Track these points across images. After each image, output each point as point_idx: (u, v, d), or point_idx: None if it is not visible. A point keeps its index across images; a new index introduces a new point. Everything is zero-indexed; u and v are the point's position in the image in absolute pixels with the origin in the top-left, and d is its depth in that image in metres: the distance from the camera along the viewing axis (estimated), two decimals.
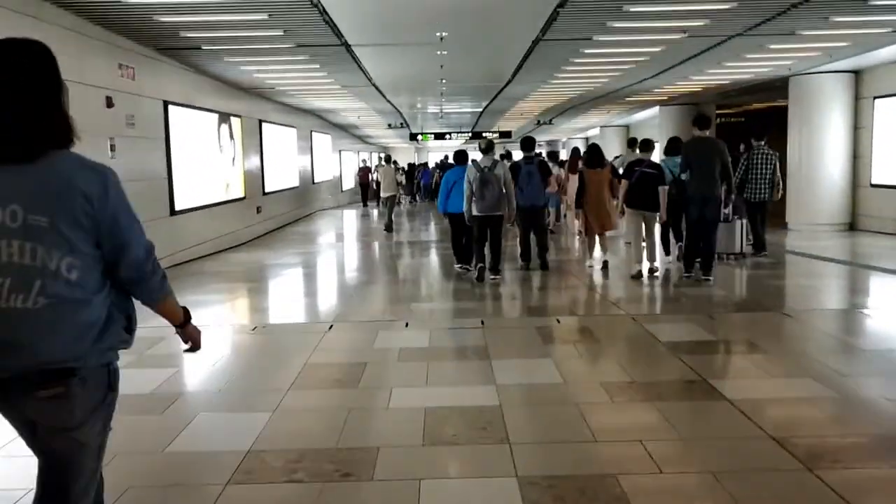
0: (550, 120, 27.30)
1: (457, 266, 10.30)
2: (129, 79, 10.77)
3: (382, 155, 27.23)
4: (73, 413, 2.13)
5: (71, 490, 2.21)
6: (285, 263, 12.49)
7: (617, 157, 16.02)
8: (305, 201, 23.01)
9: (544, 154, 24.03)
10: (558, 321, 7.12)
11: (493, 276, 9.38)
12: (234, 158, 15.65)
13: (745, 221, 10.74)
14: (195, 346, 2.51)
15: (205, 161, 13.78)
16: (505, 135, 30.34)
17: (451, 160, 11.24)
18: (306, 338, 6.70)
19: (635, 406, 4.76)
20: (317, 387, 5.29)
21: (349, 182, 31.33)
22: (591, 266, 10.30)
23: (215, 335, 6.78)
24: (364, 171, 27.43)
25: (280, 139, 19.88)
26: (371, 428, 4.50)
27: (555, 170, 16.80)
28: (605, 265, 9.96)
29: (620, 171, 10.37)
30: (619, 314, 7.48)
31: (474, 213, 9.17)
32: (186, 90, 13.15)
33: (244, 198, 16.30)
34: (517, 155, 12.68)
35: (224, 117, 15.06)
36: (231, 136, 15.53)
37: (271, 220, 18.56)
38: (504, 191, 9.12)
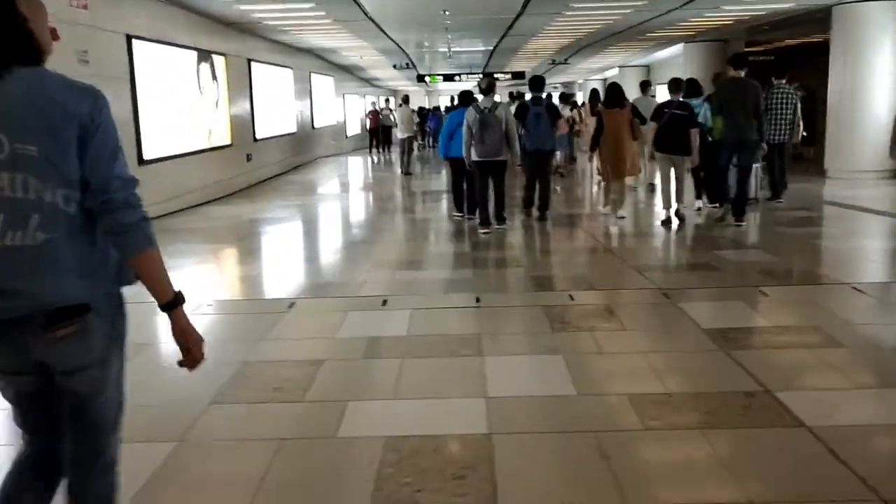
0: (566, 60, 25.48)
1: (455, 214, 9.81)
2: (80, 8, 9.30)
3: (389, 98, 25.70)
4: (91, 349, 1.99)
5: (102, 432, 2.08)
6: (268, 219, 11.11)
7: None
8: (305, 148, 21.52)
9: (555, 96, 22.43)
10: (571, 298, 5.71)
11: (497, 226, 8.74)
12: (217, 102, 14.17)
13: (759, 165, 9.96)
14: (192, 360, 2.03)
15: (181, 105, 12.32)
16: (518, 76, 28.53)
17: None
18: (257, 322, 5.37)
19: (678, 438, 3.38)
20: (248, 400, 3.94)
21: (355, 127, 29.71)
22: (608, 218, 9.40)
23: (140, 315, 5.44)
24: (373, 116, 25.58)
25: (274, 81, 18.32)
26: (304, 478, 3.15)
27: (566, 112, 15.59)
28: (621, 218, 9.27)
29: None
30: (647, 287, 6.04)
31: (474, 157, 8.54)
32: (156, 24, 11.64)
33: (231, 145, 14.86)
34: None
35: (204, 55, 13.55)
36: (214, 77, 14.03)
37: (264, 168, 17.13)
38: (506, 134, 8.43)
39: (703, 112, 9.07)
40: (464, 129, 8.57)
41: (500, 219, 8.84)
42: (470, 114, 8.55)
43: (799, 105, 10.26)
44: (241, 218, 11.21)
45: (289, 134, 19.70)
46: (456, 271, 6.91)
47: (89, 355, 1.98)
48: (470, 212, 9.52)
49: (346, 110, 28.26)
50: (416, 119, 22.82)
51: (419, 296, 5.96)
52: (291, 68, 19.99)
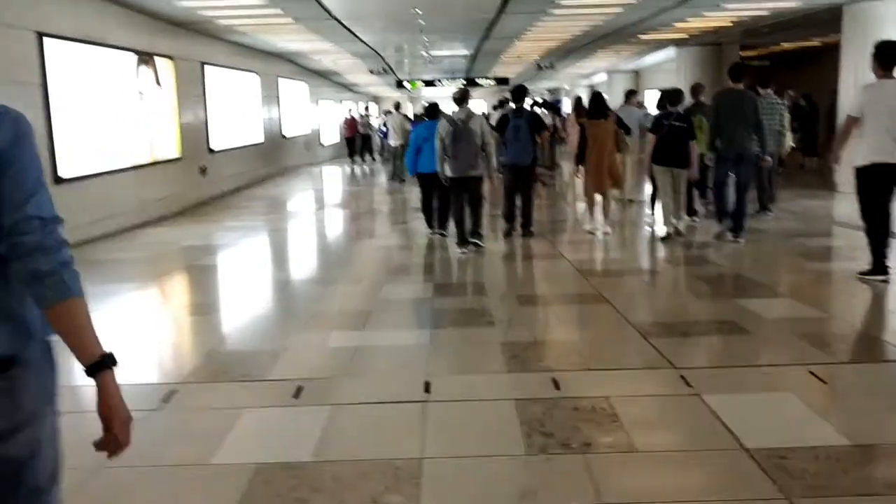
0: (552, 64, 23.92)
1: (427, 232, 9.24)
2: None
3: (368, 105, 24.06)
4: (20, 408, 1.68)
5: (41, 496, 1.76)
6: (206, 247, 9.44)
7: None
8: (273, 158, 19.83)
9: (539, 102, 21.10)
10: (557, 385, 4.06)
11: (473, 242, 8.06)
12: (162, 110, 12.52)
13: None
14: (113, 443, 1.69)
15: (113, 114, 10.66)
16: (502, 81, 26.98)
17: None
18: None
19: None
20: None
21: (332, 135, 28.02)
22: (595, 239, 8.73)
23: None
24: (350, 123, 23.92)
25: (235, 87, 16.66)
26: None
27: (547, 119, 14.39)
28: (605, 234, 8.80)
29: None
30: (658, 366, 4.35)
31: (448, 173, 7.90)
32: (79, 21, 9.98)
33: (180, 158, 13.20)
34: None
35: (146, 58, 11.89)
36: (158, 83, 12.37)
37: (222, 182, 15.45)
38: (483, 147, 7.82)
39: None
40: (436, 142, 7.89)
41: (477, 236, 8.16)
42: (443, 126, 7.86)
43: (787, 115, 9.97)
44: (176, 245, 9.55)
45: (253, 144, 18.02)
46: (408, 333, 5.26)
47: (18, 414, 1.68)
48: (441, 227, 9.01)
49: (322, 118, 26.58)
50: (409, 126, 21.09)
51: (349, 378, 4.34)
52: (257, 73, 18.33)
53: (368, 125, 24.30)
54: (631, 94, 12.40)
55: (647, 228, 9.56)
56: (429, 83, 26.90)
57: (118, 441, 1.68)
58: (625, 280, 6.92)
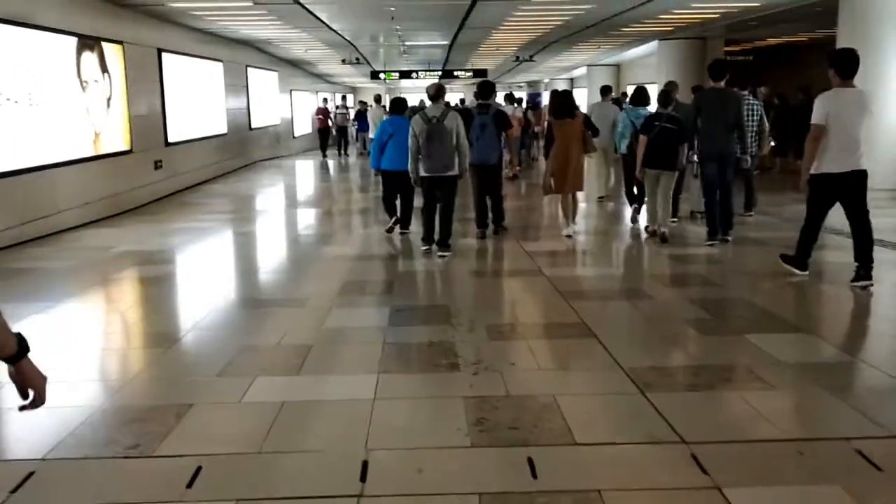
0: (531, 56, 22.93)
1: (384, 219, 8.98)
2: None
3: (345, 96, 22.93)
4: None
5: None
6: (145, 253, 8.33)
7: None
8: (239, 151, 18.69)
9: (522, 96, 20.35)
10: (533, 471, 3.02)
11: (440, 253, 7.53)
12: (109, 100, 11.37)
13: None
14: (37, 400, 1.90)
15: (47, 103, 9.51)
16: (479, 73, 25.90)
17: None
18: None
19: None
20: None
21: (305, 126, 26.85)
22: (572, 244, 8.29)
23: None
24: (322, 114, 22.73)
25: (196, 75, 15.49)
26: None
27: (509, 109, 14.16)
28: (569, 237, 8.42)
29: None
30: (663, 437, 3.36)
31: (421, 173, 7.51)
32: None
33: (130, 151, 12.05)
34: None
35: (89, 43, 10.73)
36: (104, 70, 11.21)
37: (180, 176, 14.31)
38: (457, 147, 7.43)
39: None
40: (409, 139, 7.46)
41: (444, 245, 7.58)
42: (416, 123, 7.42)
43: (764, 115, 9.66)
44: (108, 251, 8.42)
45: (216, 136, 16.86)
46: (352, 381, 4.15)
47: None
48: (403, 226, 8.73)
49: (294, 108, 25.40)
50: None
51: (264, 457, 3.28)
52: (221, 61, 17.15)
53: (345, 117, 23.07)
54: (607, 90, 11.81)
55: (630, 232, 9.07)
56: (405, 74, 25.80)
57: (41, 399, 1.90)
58: (611, 303, 5.92)
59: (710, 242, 7.62)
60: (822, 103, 5.71)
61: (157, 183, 13.14)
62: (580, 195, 8.90)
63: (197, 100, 15.54)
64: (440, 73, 25.92)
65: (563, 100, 8.42)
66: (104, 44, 11.17)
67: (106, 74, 11.26)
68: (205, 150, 15.97)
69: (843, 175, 5.65)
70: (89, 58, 10.74)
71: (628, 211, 9.71)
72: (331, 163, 20.85)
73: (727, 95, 7.72)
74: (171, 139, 13.90)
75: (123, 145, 11.86)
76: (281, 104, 23.56)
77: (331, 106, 23.55)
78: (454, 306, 5.74)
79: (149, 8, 12.30)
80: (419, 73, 25.51)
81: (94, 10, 11.01)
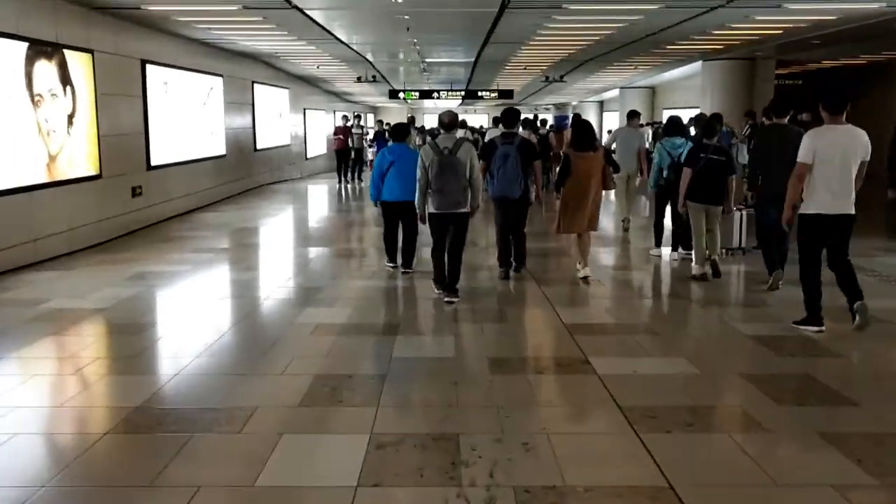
0: (562, 77, 20.98)
1: (387, 264, 8.19)
2: None
3: (359, 115, 21.07)
4: None
5: None
6: (76, 312, 6.45)
7: (609, 132, 14.73)
8: (240, 174, 16.87)
9: (548, 118, 18.47)
10: None
11: (447, 299, 6.70)
12: (71, 117, 9.56)
13: (745, 213, 8.64)
14: None
15: None
16: (505, 94, 24.03)
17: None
18: None
19: None
20: None
21: (319, 147, 25.06)
22: (586, 279, 7.52)
23: None
24: (342, 133, 19.75)
25: (189, 91, 13.70)
26: None
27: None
28: (585, 279, 7.56)
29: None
30: None
31: (430, 210, 6.77)
32: None
33: (98, 176, 10.23)
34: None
35: (46, 50, 8.94)
36: (66, 83, 9.42)
37: (165, 204, 12.49)
38: (470, 181, 6.63)
39: (684, 152, 7.98)
40: (418, 172, 6.67)
41: (452, 290, 6.74)
42: (426, 154, 6.65)
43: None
44: (36, 308, 6.50)
45: (212, 157, 15.04)
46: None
47: None
48: (406, 265, 7.92)
49: (308, 128, 23.63)
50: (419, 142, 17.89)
51: None
52: (221, 75, 15.37)
53: (362, 138, 20.90)
54: (634, 115, 11.27)
55: (673, 278, 8.10)
56: (425, 94, 23.96)
57: None
58: (701, 439, 3.88)
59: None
60: (809, 140, 5.46)
61: (133, 213, 11.31)
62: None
63: (190, 118, 13.74)
64: (463, 93, 24.07)
65: (582, 130, 7.59)
66: (67, 52, 9.37)
67: (68, 87, 9.45)
68: (197, 174, 14.13)
69: (829, 217, 5.42)
70: (45, 67, 8.94)
71: (649, 243, 9.17)
72: (349, 188, 18.89)
73: (789, 133, 6.85)
74: (154, 162, 12.08)
75: (89, 169, 10.03)
76: (293, 123, 21.79)
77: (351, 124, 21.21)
78: (467, 438, 3.74)
79: (126, 12, 10.50)
80: (441, 92, 23.66)
81: (54, 12, 9.22)
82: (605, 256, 9.19)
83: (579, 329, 5.76)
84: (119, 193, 10.88)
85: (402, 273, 7.83)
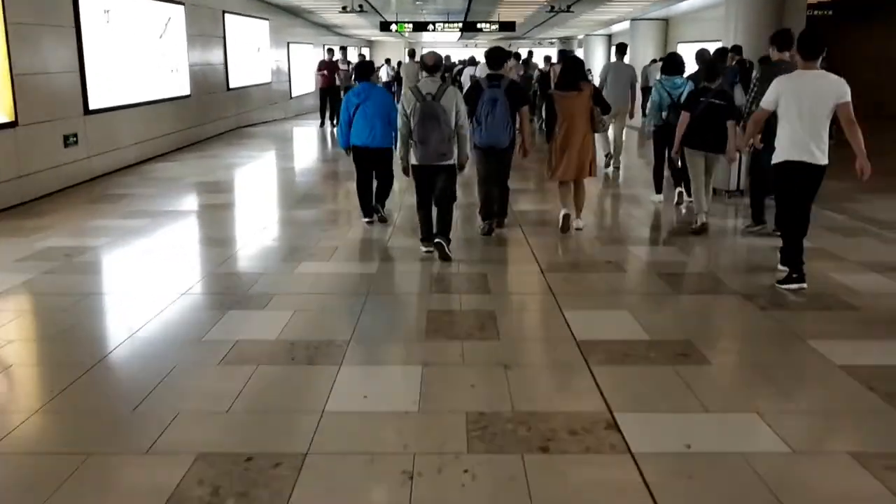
0: (569, 7, 18.75)
1: (363, 219, 7.37)
2: None
3: (345, 48, 18.88)
4: None
5: None
6: None
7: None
8: (208, 117, 14.89)
9: (551, 55, 16.89)
10: None
11: (439, 241, 6.00)
12: None
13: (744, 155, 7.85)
14: None
15: None
16: (507, 27, 21.80)
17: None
18: None
19: None
20: None
21: (306, 85, 22.91)
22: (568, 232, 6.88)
23: None
24: (328, 69, 17.18)
25: (136, 21, 11.69)
26: None
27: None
28: (567, 227, 6.94)
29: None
30: None
31: (413, 161, 6.03)
32: None
33: (13, 123, 8.37)
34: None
35: None
36: None
37: (108, 154, 10.62)
38: (457, 130, 5.94)
39: (685, 91, 7.51)
40: (399, 120, 6.02)
41: (444, 236, 6.05)
42: (407, 99, 5.93)
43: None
44: None
45: (174, 98, 13.10)
46: None
47: None
48: (378, 201, 7.45)
49: (293, 64, 21.48)
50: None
51: None
52: (182, 3, 13.31)
53: (348, 74, 18.29)
54: (622, 49, 11.05)
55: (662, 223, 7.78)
56: (420, 26, 21.71)
57: None
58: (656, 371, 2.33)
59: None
60: (775, 86, 5.16)
61: (66, 166, 9.47)
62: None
63: (141, 53, 11.76)
64: (461, 24, 21.84)
65: (571, 68, 6.98)
66: None
67: None
68: (154, 118, 12.22)
69: (795, 164, 5.12)
70: None
71: (648, 193, 8.68)
72: (332, 133, 16.73)
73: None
74: (94, 105, 10.17)
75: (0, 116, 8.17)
76: (275, 59, 19.69)
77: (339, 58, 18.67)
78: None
79: None
80: (437, 24, 21.42)
81: None
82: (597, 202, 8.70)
83: (559, 275, 4.05)
84: (44, 144, 9.02)
85: (367, 223, 7.29)
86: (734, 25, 15.84)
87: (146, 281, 5.67)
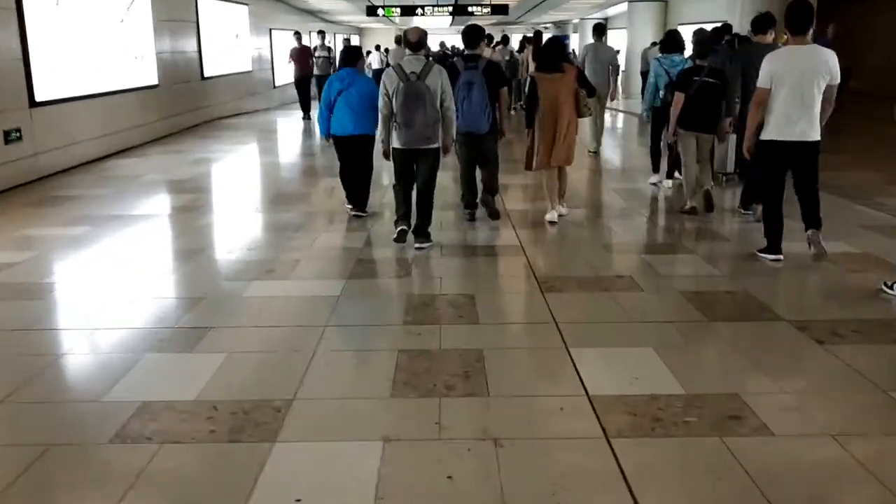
0: None
1: (347, 207, 6.91)
2: None
3: (322, 32, 17.69)
4: None
5: None
6: None
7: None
8: (181, 107, 13.75)
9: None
10: None
11: (418, 244, 5.69)
12: None
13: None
14: None
15: None
16: (500, 9, 20.64)
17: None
18: None
19: None
20: None
21: (290, 74, 21.63)
22: (553, 224, 6.49)
23: None
24: (301, 55, 15.72)
25: (91, 4, 10.55)
26: None
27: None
28: (552, 220, 6.52)
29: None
30: None
31: (395, 144, 5.64)
32: None
33: None
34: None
35: None
36: None
37: (59, 151, 9.51)
38: (442, 112, 5.55)
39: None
40: (380, 101, 5.60)
41: (423, 234, 5.73)
42: (390, 80, 5.54)
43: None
44: None
45: (140, 88, 11.99)
46: None
47: None
48: (359, 207, 6.80)
49: (276, 51, 20.29)
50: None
51: None
52: None
53: (329, 62, 17.07)
54: (600, 29, 10.61)
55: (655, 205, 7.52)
56: (408, 10, 20.53)
57: None
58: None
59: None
60: (768, 63, 5.01)
61: (7, 165, 8.38)
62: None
63: (99, 39, 10.63)
64: (451, 8, 20.67)
65: (552, 49, 6.71)
66: None
67: None
68: (115, 110, 11.09)
69: (786, 144, 4.99)
70: None
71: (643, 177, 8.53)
72: (311, 126, 15.46)
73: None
74: (41, 96, 9.06)
75: None
76: (256, 46, 18.54)
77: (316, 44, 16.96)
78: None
79: None
80: (425, 8, 20.26)
81: None
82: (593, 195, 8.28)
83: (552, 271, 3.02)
84: None
85: (353, 216, 6.79)
86: (740, 4, 14.82)
87: (56, 312, 4.60)
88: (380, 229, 6.47)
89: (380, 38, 33.14)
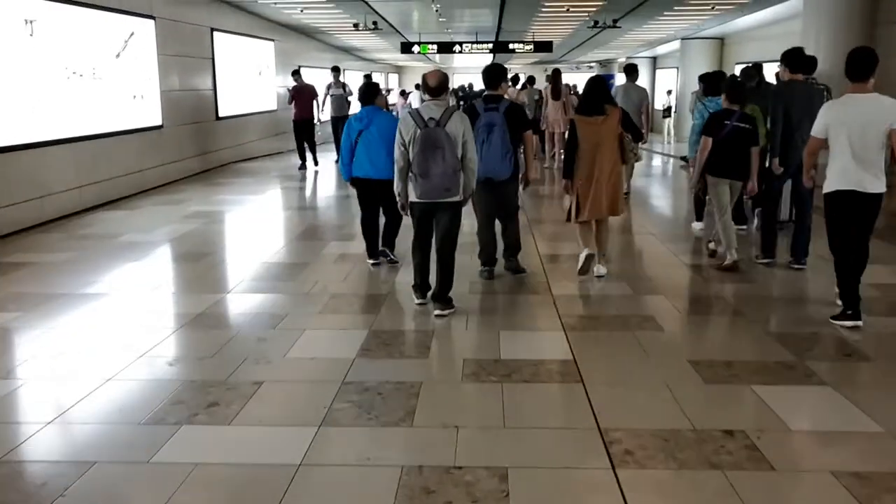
0: (615, 21, 15.92)
1: (368, 260, 6.45)
2: None
3: (338, 68, 16.21)
4: None
5: None
6: None
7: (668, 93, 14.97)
8: (190, 150, 12.33)
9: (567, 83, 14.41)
10: None
11: (438, 312, 5.08)
12: None
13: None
14: None
15: None
16: (542, 47, 19.08)
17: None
18: None
19: None
20: None
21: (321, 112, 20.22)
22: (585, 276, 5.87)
23: None
24: (303, 97, 13.21)
25: (75, 35, 9.18)
26: None
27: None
28: (587, 269, 5.93)
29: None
30: None
31: (411, 198, 5.09)
32: None
33: None
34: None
35: None
36: None
37: (28, 204, 8.07)
38: (462, 161, 4.98)
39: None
40: (396, 151, 5.04)
41: (443, 300, 5.13)
42: (406, 126, 4.98)
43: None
44: None
45: (141, 129, 10.58)
46: None
47: None
48: (387, 244, 6.46)
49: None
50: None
51: None
52: (153, 17, 10.84)
53: (343, 101, 14.24)
54: (632, 70, 10.34)
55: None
56: (445, 47, 19.09)
57: None
58: None
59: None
60: (824, 112, 4.77)
61: None
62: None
63: (88, 75, 9.25)
64: (491, 45, 19.17)
65: (594, 89, 5.83)
66: None
67: None
68: (103, 156, 9.64)
69: (847, 194, 4.65)
70: None
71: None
72: (312, 179, 12.99)
73: (814, 92, 5.87)
74: (5, 141, 7.65)
75: None
76: (282, 84, 17.21)
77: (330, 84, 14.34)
78: None
79: None
80: (464, 45, 18.78)
81: None
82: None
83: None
84: None
85: (374, 263, 6.36)
86: (814, 40, 12.97)
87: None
88: (388, 319, 4.76)
89: (419, 77, 31.91)
